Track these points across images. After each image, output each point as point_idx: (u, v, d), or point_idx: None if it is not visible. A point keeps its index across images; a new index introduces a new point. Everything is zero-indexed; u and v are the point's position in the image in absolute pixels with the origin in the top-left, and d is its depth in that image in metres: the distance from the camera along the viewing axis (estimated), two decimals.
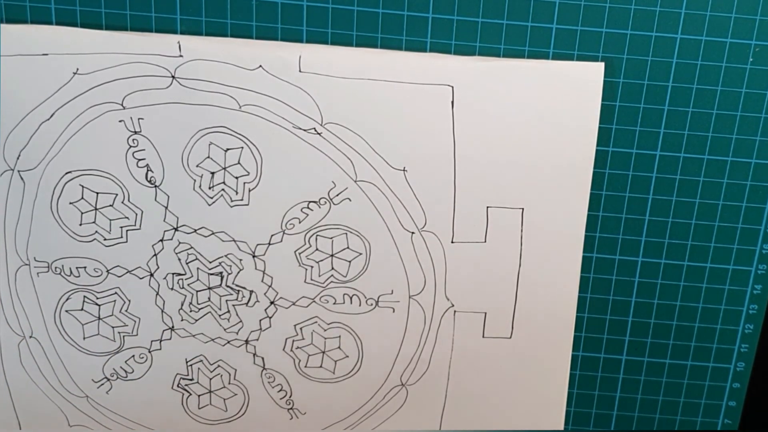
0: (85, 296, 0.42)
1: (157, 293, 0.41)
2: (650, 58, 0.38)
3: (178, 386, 0.43)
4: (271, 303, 0.41)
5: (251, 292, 0.41)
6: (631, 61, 0.38)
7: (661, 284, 0.42)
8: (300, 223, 0.40)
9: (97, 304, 0.42)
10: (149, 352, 0.43)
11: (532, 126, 0.38)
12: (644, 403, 0.44)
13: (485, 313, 0.41)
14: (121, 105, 0.38)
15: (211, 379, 0.43)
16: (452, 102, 0.38)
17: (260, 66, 0.37)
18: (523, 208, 0.39)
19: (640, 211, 0.41)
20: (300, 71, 0.37)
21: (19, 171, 0.40)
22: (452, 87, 0.37)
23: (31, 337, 0.43)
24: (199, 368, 0.43)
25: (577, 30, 0.38)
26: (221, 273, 0.41)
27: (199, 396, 0.43)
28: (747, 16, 0.37)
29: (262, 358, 0.42)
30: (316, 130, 0.38)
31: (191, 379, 0.43)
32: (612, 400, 0.44)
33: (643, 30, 0.38)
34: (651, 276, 0.42)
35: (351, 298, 0.41)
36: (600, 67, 0.37)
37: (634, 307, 0.42)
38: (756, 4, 0.37)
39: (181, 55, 0.37)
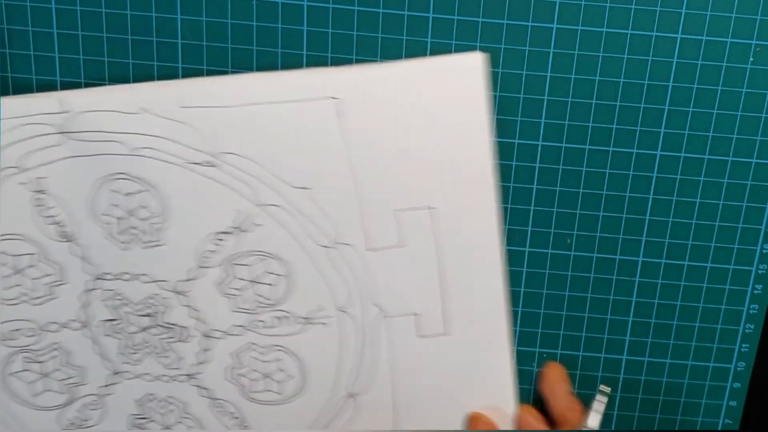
0: (25, 356, 0.42)
1: (94, 341, 0.42)
2: (650, 58, 0.38)
3: (134, 426, 0.44)
4: (205, 336, 0.41)
5: (183, 328, 0.41)
6: (631, 60, 0.38)
7: (662, 284, 0.42)
8: (214, 254, 0.40)
9: (38, 362, 0.42)
10: (100, 398, 0.43)
11: (423, 125, 0.38)
12: (644, 403, 0.44)
13: (416, 314, 0.41)
14: (21, 168, 0.39)
15: (164, 415, 0.43)
16: (338, 114, 0.38)
17: (143, 109, 0.38)
18: (430, 207, 0.39)
19: (640, 211, 0.41)
20: (182, 107, 0.38)
21: None
22: (335, 99, 0.38)
23: None
24: (151, 407, 0.43)
25: (578, 30, 0.38)
26: (150, 314, 0.41)
27: None
28: (747, 16, 0.37)
29: (208, 390, 0.43)
30: (210, 163, 0.38)
31: (146, 418, 0.43)
32: (612, 400, 0.44)
33: (643, 30, 0.38)
34: (651, 276, 0.42)
35: (281, 320, 0.41)
36: (479, 56, 0.37)
37: (634, 307, 0.42)
38: (756, 4, 0.37)
39: (65, 111, 0.38)
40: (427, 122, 0.38)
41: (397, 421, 0.43)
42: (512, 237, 0.41)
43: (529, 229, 0.41)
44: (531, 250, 0.42)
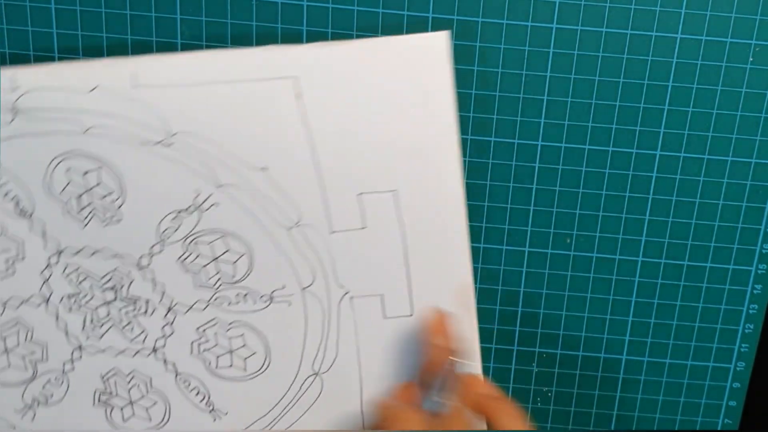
0: None
1: (57, 317, 0.41)
2: (650, 58, 0.38)
3: (99, 401, 0.43)
4: (169, 309, 0.41)
5: (147, 301, 0.41)
6: (630, 60, 0.38)
7: (661, 284, 0.42)
8: (175, 232, 0.39)
9: (1, 337, 0.42)
10: (63, 373, 0.43)
11: (386, 106, 0.37)
12: (644, 402, 0.44)
13: (382, 295, 0.41)
14: None
15: (129, 390, 0.43)
16: (297, 93, 0.37)
17: (96, 86, 0.37)
18: (395, 190, 0.39)
19: (640, 211, 0.41)
20: (136, 85, 0.37)
21: None
22: (295, 78, 0.37)
23: None
24: (115, 381, 0.43)
25: (577, 30, 0.38)
26: (113, 287, 0.41)
27: (122, 408, 0.43)
28: (747, 16, 0.37)
29: (174, 364, 0.42)
30: (166, 142, 0.38)
31: (110, 393, 0.43)
32: (612, 400, 0.44)
33: (642, 30, 0.38)
34: (651, 276, 0.42)
35: (245, 297, 0.41)
36: (444, 36, 0.37)
37: (634, 306, 0.42)
38: (756, 4, 0.37)
39: (17, 87, 0.37)
40: (390, 103, 0.37)
41: (365, 401, 0.43)
42: (512, 237, 0.41)
43: (529, 229, 0.41)
44: (531, 250, 0.42)
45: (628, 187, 0.40)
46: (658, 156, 0.40)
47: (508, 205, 0.41)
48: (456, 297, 0.41)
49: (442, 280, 0.41)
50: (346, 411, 0.43)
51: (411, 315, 0.41)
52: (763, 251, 0.41)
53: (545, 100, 0.39)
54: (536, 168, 0.40)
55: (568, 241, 0.41)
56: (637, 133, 0.39)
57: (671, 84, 0.38)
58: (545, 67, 0.39)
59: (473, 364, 0.42)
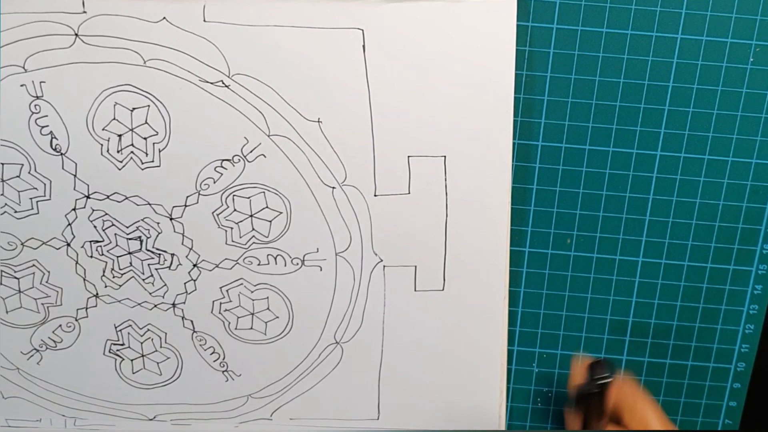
0: (2, 270, 0.41)
1: (77, 262, 0.41)
2: (650, 58, 0.38)
3: (109, 352, 0.43)
4: (194, 266, 0.40)
5: (173, 255, 0.40)
6: (631, 60, 0.38)
7: (662, 284, 0.42)
8: (215, 183, 0.39)
9: (15, 277, 0.41)
10: (76, 320, 0.42)
11: (447, 68, 0.37)
12: None
13: (415, 267, 0.40)
14: (23, 68, 0.37)
15: (142, 343, 0.42)
16: (363, 46, 0.37)
17: (164, 18, 0.36)
18: (445, 156, 0.38)
19: (640, 211, 0.41)
20: (204, 21, 0.36)
21: None
22: (362, 30, 0.36)
23: None
24: (129, 333, 0.42)
25: (578, 30, 0.38)
26: (140, 237, 0.40)
27: (132, 360, 0.43)
28: (747, 16, 0.37)
29: (191, 321, 0.42)
30: (223, 83, 0.37)
31: (122, 344, 0.42)
32: None
33: (643, 30, 0.38)
34: (651, 276, 0.42)
35: (275, 259, 0.40)
36: (512, 2, 0.36)
37: (635, 307, 0.42)
38: (756, 4, 0.37)
39: (84, 12, 0.36)
40: (452, 66, 0.37)
41: (382, 375, 0.42)
42: (512, 237, 0.41)
43: (529, 229, 0.41)
44: (531, 250, 0.42)
45: (629, 187, 0.40)
46: (658, 156, 0.40)
47: (509, 206, 0.41)
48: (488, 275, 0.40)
49: (477, 255, 0.40)
50: (363, 383, 0.42)
51: (442, 290, 0.41)
52: (764, 252, 0.41)
53: (545, 100, 0.39)
54: (536, 168, 0.40)
55: (569, 241, 0.41)
56: (638, 133, 0.39)
57: (671, 84, 0.38)
58: (545, 67, 0.39)
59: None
